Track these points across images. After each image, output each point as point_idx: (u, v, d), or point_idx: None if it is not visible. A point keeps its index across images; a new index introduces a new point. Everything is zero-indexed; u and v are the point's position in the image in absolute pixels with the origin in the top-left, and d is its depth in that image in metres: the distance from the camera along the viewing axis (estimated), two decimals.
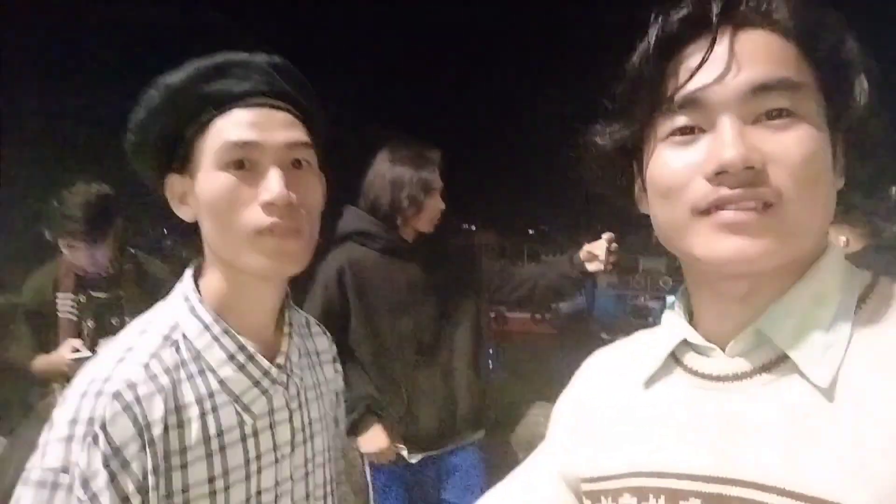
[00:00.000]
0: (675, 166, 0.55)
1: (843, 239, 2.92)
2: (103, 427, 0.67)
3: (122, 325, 2.37)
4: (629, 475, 0.62)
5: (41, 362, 2.20)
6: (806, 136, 0.52)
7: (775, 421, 0.53)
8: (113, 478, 0.67)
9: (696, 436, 0.58)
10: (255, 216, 0.74)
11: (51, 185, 2.18)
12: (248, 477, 0.79)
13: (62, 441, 0.67)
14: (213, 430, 0.76)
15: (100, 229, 2.13)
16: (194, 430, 0.74)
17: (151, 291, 2.31)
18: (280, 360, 0.84)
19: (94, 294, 2.24)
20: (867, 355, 0.52)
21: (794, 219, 0.51)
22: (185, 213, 0.82)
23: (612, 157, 0.65)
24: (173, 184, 0.82)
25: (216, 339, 0.79)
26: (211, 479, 0.75)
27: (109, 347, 0.78)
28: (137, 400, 0.70)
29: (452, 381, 2.09)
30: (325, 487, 0.92)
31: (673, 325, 0.65)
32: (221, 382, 0.78)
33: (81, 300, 2.23)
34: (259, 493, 0.80)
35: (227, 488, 0.76)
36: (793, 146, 0.51)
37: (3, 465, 1.98)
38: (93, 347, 2.14)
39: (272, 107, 0.78)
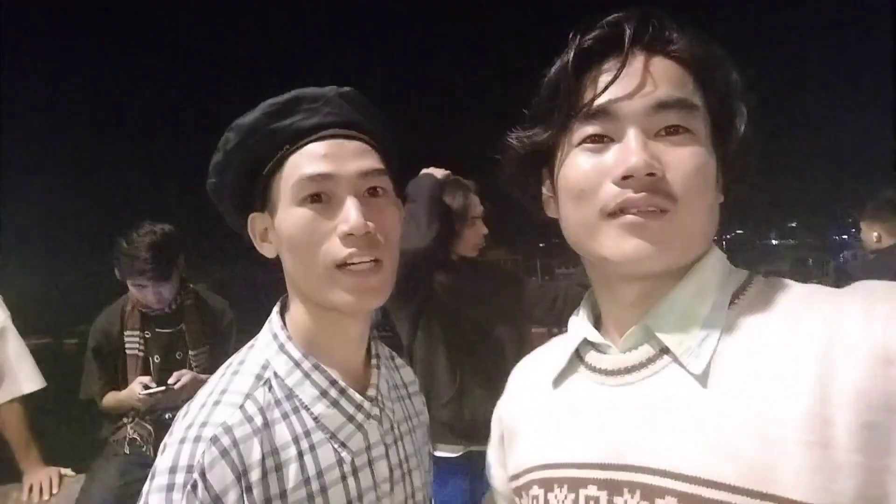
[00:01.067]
0: (587, 169, 0.61)
1: (874, 234, 3.00)
2: (202, 474, 0.65)
3: (185, 359, 2.32)
4: (537, 468, 0.69)
5: (112, 399, 2.26)
6: (697, 151, 0.60)
7: (659, 408, 0.59)
8: None
9: (594, 427, 0.64)
10: (334, 249, 0.74)
11: (119, 227, 2.24)
12: None
13: (163, 490, 0.66)
14: (312, 471, 0.73)
15: (165, 268, 2.19)
16: (293, 472, 0.71)
17: (212, 325, 2.40)
18: (371, 392, 0.82)
19: (159, 330, 2.30)
20: (736, 346, 0.58)
21: (684, 225, 0.59)
22: (267, 251, 0.83)
23: (525, 161, 0.71)
24: (255, 222, 0.82)
25: (307, 375, 0.77)
26: None
27: (204, 391, 0.77)
28: (235, 444, 0.68)
29: (501, 382, 2.08)
30: None
31: (576, 326, 0.72)
32: (316, 419, 0.76)
33: (147, 336, 2.28)
34: None
35: None
36: (687, 158, 0.59)
37: (83, 500, 2.05)
38: (159, 383, 2.19)
39: (344, 137, 0.78)
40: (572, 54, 0.63)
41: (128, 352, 2.27)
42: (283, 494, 0.70)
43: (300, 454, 0.73)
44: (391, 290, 0.80)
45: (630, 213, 0.58)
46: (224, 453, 0.67)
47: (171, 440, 0.70)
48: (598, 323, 0.71)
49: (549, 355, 0.77)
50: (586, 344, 0.70)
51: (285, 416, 0.74)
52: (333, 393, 0.78)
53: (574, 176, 0.63)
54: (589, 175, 0.61)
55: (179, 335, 2.32)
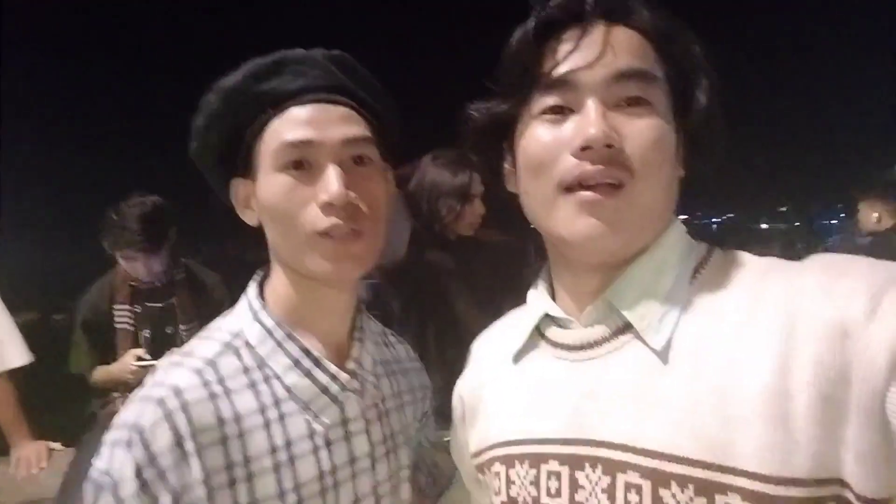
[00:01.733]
0: (546, 140, 0.60)
1: (875, 215, 2.98)
2: (141, 433, 0.65)
3: (175, 334, 2.25)
4: (499, 445, 0.69)
5: (102, 373, 2.23)
6: (656, 123, 0.59)
7: (621, 383, 0.59)
8: (144, 486, 0.64)
9: (555, 402, 0.64)
10: (313, 217, 0.72)
11: (108, 198, 2.22)
12: (323, 492, 0.74)
13: (109, 444, 0.67)
14: (279, 441, 0.72)
15: (155, 240, 2.16)
16: (258, 440, 0.70)
17: (203, 300, 2.36)
18: (350, 365, 0.80)
19: (149, 304, 2.27)
20: (697, 320, 0.58)
21: (640, 200, 0.58)
22: (249, 218, 0.80)
23: (486, 133, 0.70)
24: (237, 188, 0.79)
25: (279, 344, 0.76)
26: (281, 494, 0.70)
27: (173, 353, 0.76)
28: (183, 407, 0.67)
29: None
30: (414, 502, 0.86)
31: (536, 301, 0.71)
32: (288, 390, 0.74)
33: (137, 311, 2.26)
34: None
35: (299, 503, 0.72)
36: (645, 130, 0.58)
37: (73, 474, 2.01)
38: (153, 356, 2.17)
39: (329, 101, 0.74)
40: (533, 23, 0.63)
41: (117, 326, 2.24)
42: (246, 462, 0.69)
43: (267, 423, 0.71)
44: (374, 261, 0.78)
45: (586, 188, 0.58)
46: (168, 415, 0.66)
47: (133, 396, 0.70)
48: (556, 296, 0.70)
49: (509, 330, 0.75)
50: (546, 319, 0.69)
51: (253, 384, 0.73)
52: (306, 363, 0.76)
53: (533, 147, 0.62)
54: (548, 146, 0.60)
55: (170, 310, 2.29)
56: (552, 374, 0.66)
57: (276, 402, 0.73)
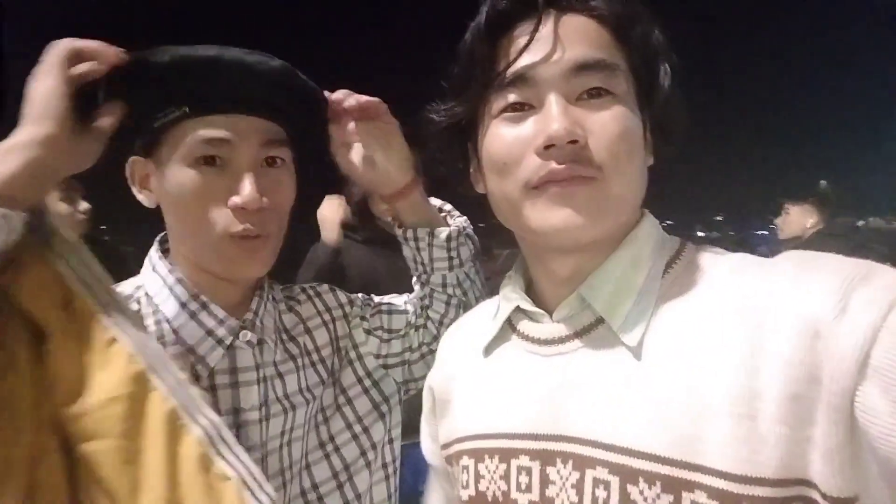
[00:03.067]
0: (508, 140, 0.59)
1: (811, 220, 3.02)
2: None
3: None
4: (468, 438, 0.67)
5: None
6: (621, 113, 0.58)
7: (594, 379, 0.58)
8: None
9: (527, 397, 0.63)
10: (224, 219, 0.73)
11: None
12: None
13: None
14: None
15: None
16: None
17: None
18: (248, 315, 0.81)
19: None
20: (670, 317, 0.57)
21: (612, 191, 0.57)
22: (145, 199, 0.80)
23: (448, 135, 0.68)
24: (134, 166, 0.79)
25: (170, 289, 0.77)
26: None
27: None
28: None
29: None
30: (302, 462, 0.84)
31: (509, 294, 0.69)
32: (175, 332, 0.76)
33: None
34: None
35: None
36: (610, 122, 0.57)
37: None
38: None
39: (252, 115, 0.75)
40: (484, 18, 0.61)
41: None
42: None
43: None
44: (273, 261, 0.80)
45: (555, 185, 0.57)
46: None
47: None
48: (529, 289, 0.69)
49: (479, 322, 0.75)
50: (519, 312, 0.68)
51: (143, 329, 0.72)
52: (193, 305, 0.77)
53: (495, 149, 0.61)
54: (510, 147, 0.59)
55: None
56: (524, 368, 0.65)
57: (163, 345, 0.73)
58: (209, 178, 0.72)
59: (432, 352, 0.92)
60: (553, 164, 0.56)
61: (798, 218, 3.11)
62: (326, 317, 0.94)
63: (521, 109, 0.59)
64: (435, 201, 1.01)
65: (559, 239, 0.59)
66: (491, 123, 0.61)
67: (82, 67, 0.67)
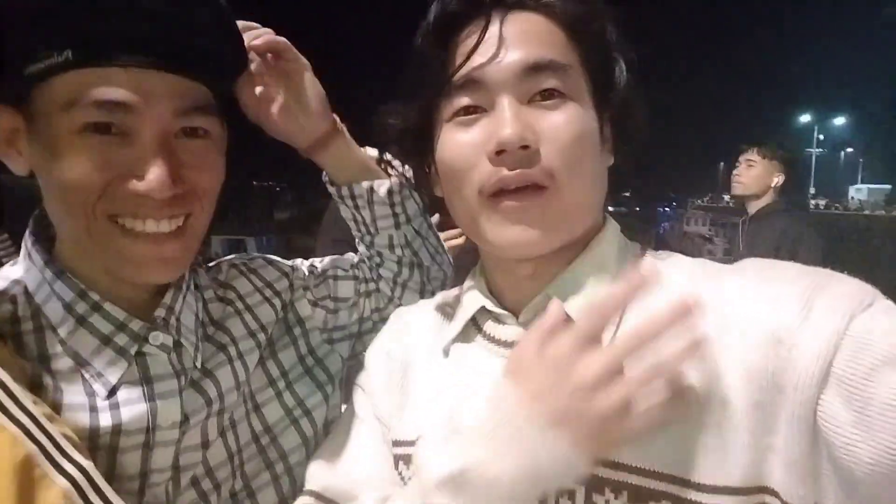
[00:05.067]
0: (461, 146, 0.58)
1: (776, 179, 2.83)
2: None
3: None
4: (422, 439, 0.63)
5: None
6: (574, 115, 0.56)
7: None
8: None
9: None
10: (116, 201, 0.57)
11: None
12: (94, 454, 0.57)
13: None
14: (51, 401, 0.57)
15: None
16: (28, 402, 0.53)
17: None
18: (160, 312, 0.65)
19: None
20: (634, 322, 0.54)
21: (566, 199, 0.56)
22: (14, 162, 0.61)
23: (404, 141, 0.67)
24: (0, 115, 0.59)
25: (50, 285, 0.61)
26: None
27: None
28: None
29: None
30: (234, 461, 0.70)
31: (472, 292, 0.67)
32: (62, 342, 0.60)
33: None
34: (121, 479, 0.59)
35: None
36: (563, 126, 0.56)
37: None
38: None
39: (160, 68, 0.57)
40: (432, 19, 0.59)
41: None
42: None
43: (36, 385, 0.58)
44: (191, 260, 0.67)
45: (508, 197, 0.56)
46: None
47: None
48: (492, 289, 0.66)
49: (438, 316, 0.72)
50: (483, 312, 0.66)
51: (20, 335, 0.60)
52: (81, 307, 0.61)
53: (448, 154, 0.59)
54: (463, 152, 0.57)
55: None
56: (487, 370, 0.61)
57: (45, 359, 0.60)
58: (101, 150, 0.54)
59: (385, 319, 0.81)
60: (504, 171, 0.54)
61: (765, 172, 2.83)
62: (268, 292, 0.80)
63: (474, 113, 0.57)
64: (371, 151, 0.85)
65: (515, 252, 0.58)
66: (443, 128, 0.59)
67: None
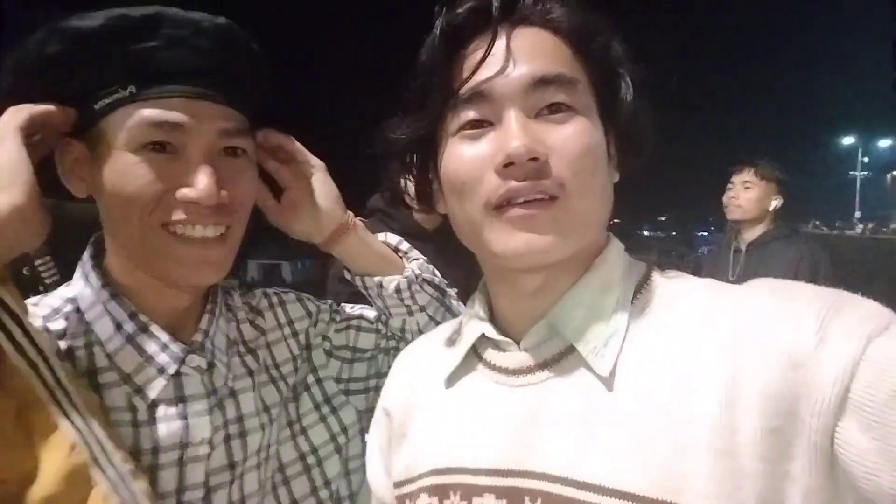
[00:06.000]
0: (467, 159, 0.57)
1: (775, 201, 2.66)
2: None
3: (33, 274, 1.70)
4: (428, 474, 0.62)
5: None
6: (583, 129, 0.56)
7: (564, 411, 0.55)
8: None
9: (493, 430, 0.59)
10: (169, 210, 0.64)
11: None
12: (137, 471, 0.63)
13: None
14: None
15: None
16: None
17: (60, 230, 2.16)
18: (197, 336, 0.72)
19: None
20: (641, 343, 0.55)
21: (576, 210, 0.55)
22: (76, 187, 0.68)
23: (408, 154, 0.66)
24: (64, 148, 0.67)
25: (104, 305, 0.68)
26: None
27: None
28: None
29: None
30: (261, 494, 0.75)
31: (472, 320, 0.66)
32: (109, 357, 0.67)
33: None
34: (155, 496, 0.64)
35: None
36: (571, 138, 0.55)
37: None
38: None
39: (208, 98, 0.66)
40: (439, 33, 0.59)
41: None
42: None
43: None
44: (231, 265, 0.72)
45: (516, 205, 0.55)
46: None
47: None
48: (493, 315, 0.65)
49: (440, 347, 0.71)
50: (484, 339, 0.64)
51: (72, 350, 0.66)
52: (130, 327, 0.68)
53: (454, 168, 0.58)
54: (470, 166, 0.57)
55: None
56: (490, 399, 0.61)
57: (93, 372, 0.66)
58: (157, 165, 0.62)
59: None
60: (513, 183, 0.54)
61: (762, 195, 2.65)
62: (287, 330, 0.85)
63: (480, 126, 0.57)
64: (391, 238, 0.92)
65: (521, 262, 0.56)
66: (449, 141, 0.59)
67: (38, 136, 0.63)
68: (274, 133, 0.79)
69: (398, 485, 0.67)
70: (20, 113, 0.62)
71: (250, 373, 0.77)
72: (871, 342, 0.44)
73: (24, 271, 1.64)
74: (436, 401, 0.67)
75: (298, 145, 0.81)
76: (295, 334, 0.86)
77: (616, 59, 0.61)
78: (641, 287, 0.60)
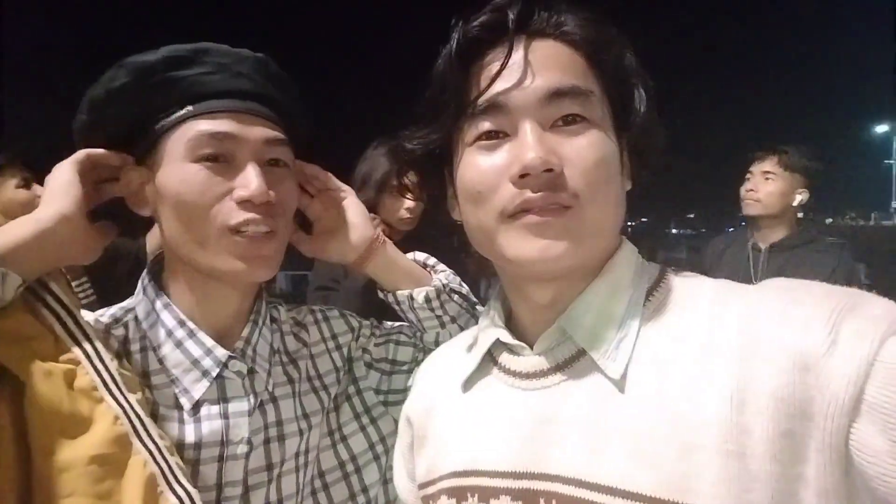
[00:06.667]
0: (483, 169, 0.58)
1: (800, 196, 2.28)
2: None
3: None
4: (447, 476, 0.64)
5: None
6: (597, 140, 0.57)
7: (577, 414, 0.56)
8: None
9: (508, 433, 0.60)
10: (227, 212, 0.71)
11: None
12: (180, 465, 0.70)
13: None
14: (149, 409, 0.71)
15: None
16: None
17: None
18: (239, 344, 0.78)
19: None
20: (652, 346, 0.55)
21: (590, 219, 0.56)
22: (141, 207, 0.77)
23: (424, 163, 0.68)
24: (130, 174, 0.76)
25: (158, 314, 0.76)
26: None
27: None
28: None
29: None
30: (299, 497, 0.80)
31: (488, 326, 0.67)
32: (160, 361, 0.75)
33: None
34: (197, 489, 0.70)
35: None
36: (586, 149, 0.56)
37: None
38: None
39: (250, 112, 0.75)
40: (455, 45, 0.59)
41: None
42: None
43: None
44: (280, 263, 0.78)
45: (530, 213, 0.55)
46: None
47: None
48: (509, 320, 0.67)
49: (459, 354, 0.73)
50: (499, 344, 0.66)
51: (129, 354, 0.75)
52: (180, 333, 0.75)
53: (470, 177, 0.59)
54: (485, 176, 0.57)
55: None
56: (505, 402, 0.62)
57: (146, 374, 0.74)
58: (213, 173, 0.70)
59: None
60: (528, 193, 0.54)
61: (786, 188, 2.27)
62: (331, 344, 0.91)
63: (496, 137, 0.57)
64: (419, 255, 0.98)
65: (535, 268, 0.57)
66: (465, 152, 0.60)
67: (94, 174, 0.74)
68: (308, 165, 0.87)
69: (421, 486, 0.69)
70: (80, 153, 0.73)
71: (291, 381, 0.83)
72: (886, 342, 0.44)
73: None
74: (453, 405, 0.68)
75: (329, 174, 0.88)
76: (338, 347, 0.92)
77: (629, 70, 0.61)
78: (654, 289, 0.60)
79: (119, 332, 0.76)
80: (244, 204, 0.71)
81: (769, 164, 2.33)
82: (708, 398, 0.49)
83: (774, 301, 0.52)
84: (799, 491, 0.45)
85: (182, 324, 0.76)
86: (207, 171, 0.71)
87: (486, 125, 0.58)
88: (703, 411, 0.49)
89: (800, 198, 2.29)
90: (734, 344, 0.50)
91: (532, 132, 0.55)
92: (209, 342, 0.75)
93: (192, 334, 0.75)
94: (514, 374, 0.63)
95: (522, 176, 0.55)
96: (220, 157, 0.72)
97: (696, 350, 0.53)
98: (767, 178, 2.31)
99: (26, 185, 1.95)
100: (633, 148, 0.63)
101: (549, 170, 0.54)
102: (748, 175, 2.39)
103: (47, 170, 0.74)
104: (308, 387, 0.85)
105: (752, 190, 2.35)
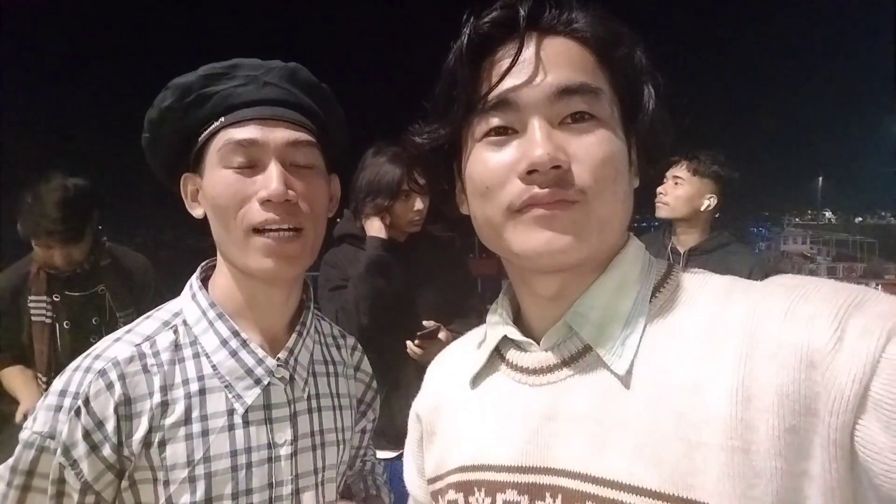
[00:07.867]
0: (492, 165, 0.58)
1: (707, 201, 2.32)
2: (86, 402, 0.73)
3: (102, 324, 2.09)
4: (455, 471, 0.66)
5: (9, 379, 2.11)
6: (605, 137, 0.57)
7: (583, 409, 0.57)
8: (93, 448, 0.73)
9: (515, 428, 0.61)
10: (251, 213, 0.77)
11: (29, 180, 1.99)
12: (234, 469, 0.78)
13: (51, 409, 0.74)
14: (196, 413, 0.78)
15: (77, 227, 2.00)
16: (177, 410, 0.77)
17: (135, 283, 2.20)
18: (282, 354, 0.85)
19: (69, 293, 2.10)
20: (659, 343, 0.56)
21: (596, 214, 0.56)
22: (197, 212, 0.85)
23: (431, 157, 0.67)
24: (186, 182, 0.85)
25: (211, 323, 0.82)
26: (189, 462, 0.76)
27: (119, 330, 0.83)
28: (122, 378, 0.75)
29: None
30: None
31: (496, 323, 0.68)
32: (214, 367, 0.80)
33: (55, 300, 2.08)
34: (249, 491, 0.79)
35: (208, 475, 0.77)
36: (594, 147, 0.56)
37: None
38: (72, 348, 2.01)
39: (279, 118, 0.80)
40: (465, 41, 0.60)
41: (33, 318, 2.06)
42: (162, 428, 0.76)
43: (188, 395, 0.78)
44: (311, 261, 0.84)
45: (538, 206, 0.56)
46: (109, 385, 0.75)
47: (70, 366, 0.78)
48: (517, 317, 0.68)
49: (468, 351, 0.74)
50: (506, 341, 0.67)
51: (181, 359, 0.80)
52: (233, 343, 0.81)
53: (478, 173, 0.60)
54: (493, 171, 0.58)
55: (95, 298, 2.12)
56: (512, 398, 0.63)
57: (200, 377, 0.80)
58: (242, 177, 0.77)
59: None
60: (536, 189, 0.55)
61: (693, 193, 2.35)
62: (354, 373, 1.02)
63: (504, 133, 0.58)
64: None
65: (542, 261, 0.57)
66: (474, 147, 0.60)
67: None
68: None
69: (430, 481, 0.71)
70: None
71: (334, 396, 0.93)
72: (891, 340, 0.44)
73: (91, 339, 1.75)
74: (462, 401, 0.70)
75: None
76: (364, 384, 1.06)
77: (639, 68, 0.61)
78: (661, 286, 0.61)
79: (169, 335, 0.81)
80: (266, 204, 0.76)
81: (679, 170, 2.40)
82: (713, 394, 0.50)
83: (781, 298, 0.51)
84: (803, 487, 0.46)
85: (236, 334, 0.82)
86: (237, 176, 0.78)
87: (495, 121, 0.58)
88: (708, 407, 0.49)
89: (707, 203, 2.35)
90: (740, 340, 0.51)
91: (541, 129, 0.56)
92: (260, 352, 0.82)
93: (245, 344, 0.82)
94: (522, 369, 0.63)
95: (530, 172, 0.55)
96: (249, 163, 0.78)
97: (702, 346, 0.53)
98: (677, 183, 2.39)
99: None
100: (641, 145, 0.63)
101: (557, 166, 0.54)
102: (665, 179, 2.45)
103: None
104: (346, 403, 0.96)
105: (661, 193, 2.43)
